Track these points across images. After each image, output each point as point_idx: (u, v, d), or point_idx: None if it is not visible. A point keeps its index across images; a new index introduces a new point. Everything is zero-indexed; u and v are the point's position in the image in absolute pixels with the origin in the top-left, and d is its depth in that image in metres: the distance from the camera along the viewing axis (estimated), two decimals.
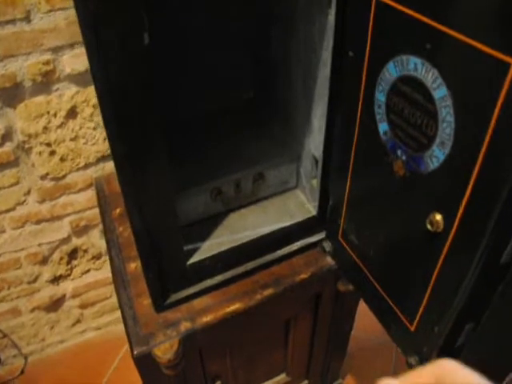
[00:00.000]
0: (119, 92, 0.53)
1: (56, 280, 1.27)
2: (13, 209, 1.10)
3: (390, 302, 0.64)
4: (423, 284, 0.56)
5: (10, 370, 1.39)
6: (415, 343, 0.62)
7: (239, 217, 0.84)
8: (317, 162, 0.76)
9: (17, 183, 1.07)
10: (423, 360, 0.62)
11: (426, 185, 0.51)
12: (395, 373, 1.35)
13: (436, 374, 0.30)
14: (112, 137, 0.58)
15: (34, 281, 1.25)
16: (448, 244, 0.50)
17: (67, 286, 1.30)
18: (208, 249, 0.79)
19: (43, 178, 1.08)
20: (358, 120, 0.60)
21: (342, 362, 1.16)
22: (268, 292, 0.81)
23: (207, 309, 0.80)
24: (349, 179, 0.68)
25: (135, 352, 0.76)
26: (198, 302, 0.81)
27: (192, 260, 0.78)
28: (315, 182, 0.79)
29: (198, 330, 0.78)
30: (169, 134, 0.89)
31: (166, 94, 0.88)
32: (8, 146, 1.01)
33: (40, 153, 1.04)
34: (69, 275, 1.28)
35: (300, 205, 0.85)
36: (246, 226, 0.82)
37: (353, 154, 0.64)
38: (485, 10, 0.38)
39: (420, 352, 0.62)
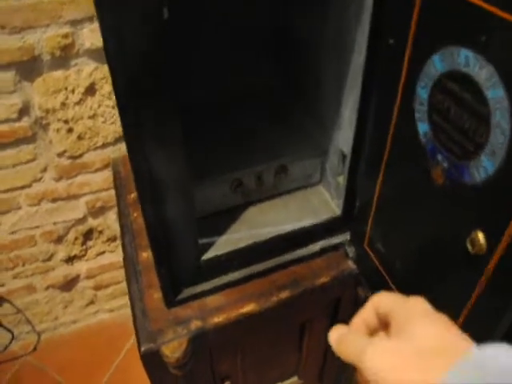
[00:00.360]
0: (136, 66, 0.48)
1: (70, 260, 1.25)
2: (29, 185, 1.08)
3: None
4: (456, 309, 0.50)
5: (23, 345, 1.39)
6: None
7: (259, 211, 0.78)
8: (344, 157, 0.69)
9: (33, 160, 1.04)
10: None
11: (469, 198, 0.44)
12: None
13: (374, 305, 0.37)
14: (122, 108, 0.52)
15: (49, 259, 1.23)
16: (491, 269, 0.44)
17: (81, 267, 1.28)
18: (225, 244, 0.74)
19: (60, 155, 1.05)
20: (394, 116, 0.53)
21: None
22: (285, 294, 0.76)
23: (220, 308, 0.75)
24: (380, 181, 0.61)
25: (142, 348, 0.73)
26: (210, 300, 0.77)
27: (207, 255, 0.73)
28: (341, 179, 0.73)
29: (209, 329, 0.74)
30: (188, 119, 0.84)
31: (185, 76, 0.82)
32: (25, 121, 0.98)
33: (57, 130, 1.01)
34: (83, 256, 1.26)
35: (324, 202, 0.79)
36: (266, 221, 0.76)
37: (386, 153, 0.57)
38: None
39: None
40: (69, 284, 1.31)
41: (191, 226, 0.67)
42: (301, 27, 0.77)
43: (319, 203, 0.79)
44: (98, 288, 1.35)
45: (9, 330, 1.31)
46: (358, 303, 0.86)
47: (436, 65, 0.44)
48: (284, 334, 0.90)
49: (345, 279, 0.78)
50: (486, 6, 0.37)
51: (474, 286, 0.45)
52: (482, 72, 0.39)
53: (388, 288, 0.63)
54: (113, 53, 0.47)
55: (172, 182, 0.60)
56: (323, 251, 0.78)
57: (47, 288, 1.29)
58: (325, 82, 0.71)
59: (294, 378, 1.03)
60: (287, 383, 1.03)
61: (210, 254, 0.73)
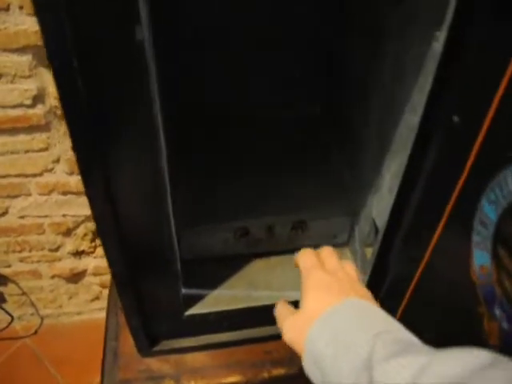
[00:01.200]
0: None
1: (78, 254, 1.19)
2: (40, 174, 1.01)
3: None
4: None
5: (26, 327, 1.35)
6: None
7: (265, 266, 0.65)
8: (377, 230, 0.54)
9: (46, 149, 0.96)
10: None
11: None
12: None
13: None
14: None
15: (56, 250, 1.17)
16: None
17: (89, 263, 1.21)
18: (216, 300, 0.62)
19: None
20: (443, 220, 0.38)
21: None
22: (278, 372, 0.63)
23: (200, 370, 0.64)
24: (415, 279, 0.46)
25: None
26: (191, 358, 0.65)
27: (193, 310, 0.62)
28: (370, 253, 0.58)
29: None
30: (197, 147, 0.72)
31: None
32: (39, 109, 0.90)
33: None
34: (92, 252, 1.19)
35: None
36: (270, 282, 0.63)
37: (428, 253, 0.42)
38: None
39: None
40: (75, 276, 1.24)
41: (170, 267, 0.55)
42: (355, 62, 0.62)
43: None
44: (104, 286, 1.28)
45: (9, 314, 1.27)
46: None
47: None
48: None
49: None
50: None
51: None
52: None
53: None
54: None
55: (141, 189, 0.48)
56: None
57: (53, 277, 1.23)
58: (370, 132, 0.56)
59: None
60: None
61: (196, 310, 0.61)
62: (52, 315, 1.35)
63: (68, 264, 1.21)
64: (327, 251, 0.42)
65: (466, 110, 0.35)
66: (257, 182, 0.64)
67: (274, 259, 0.65)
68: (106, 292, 1.30)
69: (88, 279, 1.26)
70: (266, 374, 0.63)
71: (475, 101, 0.33)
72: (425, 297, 0.45)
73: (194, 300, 0.62)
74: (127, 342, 0.67)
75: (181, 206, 0.62)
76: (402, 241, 0.52)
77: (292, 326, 0.38)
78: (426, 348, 0.29)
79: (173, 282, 0.56)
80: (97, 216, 0.45)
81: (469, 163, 0.34)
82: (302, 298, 0.38)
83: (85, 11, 0.33)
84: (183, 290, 0.59)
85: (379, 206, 0.53)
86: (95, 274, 1.24)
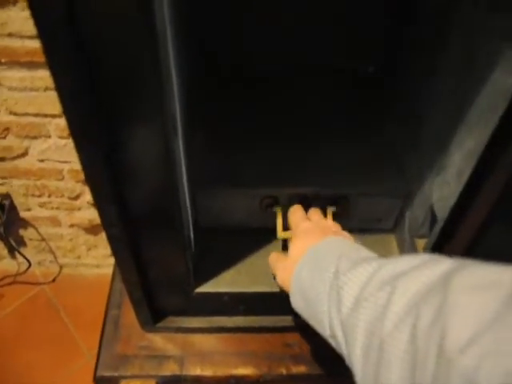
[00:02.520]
0: None
1: None
2: (59, 115, 0.92)
3: None
4: None
5: (45, 273, 1.32)
6: None
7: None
8: (434, 219, 0.42)
9: None
10: None
11: None
12: None
13: None
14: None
15: (76, 198, 1.10)
16: None
17: None
18: (232, 279, 0.52)
19: None
20: None
21: None
22: (298, 369, 0.53)
23: (209, 356, 0.55)
24: None
25: (98, 374, 0.56)
26: (200, 340, 0.57)
27: (203, 288, 0.52)
28: (422, 245, 0.46)
29: (186, 380, 0.54)
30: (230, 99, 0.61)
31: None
32: None
33: None
34: None
35: None
36: None
37: None
38: None
39: None
40: (94, 228, 1.18)
41: (182, 241, 0.45)
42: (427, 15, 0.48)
43: None
44: None
45: (26, 259, 1.23)
46: None
47: None
48: None
49: None
50: None
51: None
52: None
53: None
54: None
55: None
56: None
57: (72, 226, 1.18)
58: (438, 97, 0.43)
59: None
60: None
61: (209, 288, 0.52)
62: (71, 264, 1.31)
63: (87, 214, 1.15)
64: (314, 210, 0.47)
65: None
66: (294, 145, 0.53)
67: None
68: None
69: None
70: (283, 370, 0.53)
71: None
72: None
73: (207, 276, 0.52)
74: (130, 313, 0.59)
75: (198, 161, 0.52)
76: (469, 237, 0.40)
77: (282, 268, 0.43)
78: (381, 259, 0.34)
79: (181, 250, 0.46)
80: (85, 162, 0.35)
81: None
82: (291, 245, 0.44)
83: None
84: (194, 263, 0.50)
85: (442, 191, 0.41)
86: None
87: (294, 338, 0.55)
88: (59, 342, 1.21)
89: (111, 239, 0.43)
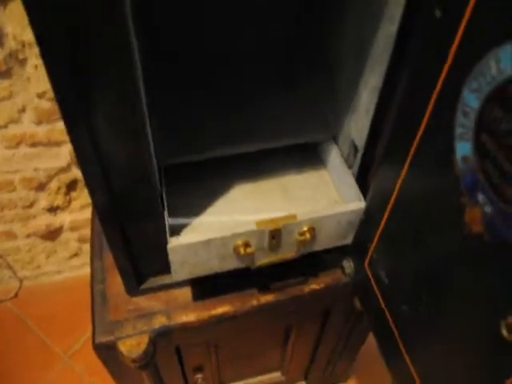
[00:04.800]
0: None
1: (53, 210, 1.15)
2: (5, 126, 0.95)
3: (411, 368, 0.45)
4: None
5: (5, 290, 1.32)
6: None
7: (252, 191, 0.64)
8: (356, 150, 0.54)
9: (9, 97, 0.91)
10: None
11: None
12: None
13: None
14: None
15: (30, 206, 1.13)
16: None
17: (65, 218, 1.18)
18: (200, 227, 0.61)
19: (40, 96, 0.91)
20: (425, 120, 0.37)
21: (347, 369, 1.00)
22: (266, 299, 0.64)
23: (190, 304, 0.64)
24: (394, 193, 0.46)
25: (96, 341, 0.63)
26: (181, 293, 0.65)
27: (179, 242, 0.60)
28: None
29: (175, 328, 0.63)
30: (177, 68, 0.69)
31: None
32: None
33: (36, 66, 0.87)
34: (67, 207, 1.15)
35: (327, 193, 0.64)
36: (258, 207, 0.62)
37: (407, 162, 0.42)
38: None
39: None
40: (52, 234, 1.21)
41: (156, 217, 0.54)
42: None
43: (322, 195, 0.65)
44: (82, 241, 1.26)
45: None
46: (353, 314, 0.73)
47: (501, 62, 0.28)
48: (265, 337, 0.79)
49: (339, 289, 0.65)
50: None
51: (504, 376, 0.32)
52: None
53: (386, 325, 0.49)
54: None
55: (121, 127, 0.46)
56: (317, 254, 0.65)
57: (28, 236, 1.20)
58: (346, 50, 0.55)
59: (277, 373, 0.93)
60: (268, 377, 0.93)
61: (180, 242, 0.60)
62: (31, 276, 1.33)
63: (43, 221, 1.17)
64: None
65: (449, 1, 0.34)
66: (236, 111, 0.63)
67: (262, 184, 0.64)
68: (85, 247, 1.28)
69: (65, 235, 1.23)
70: (254, 302, 0.63)
71: None
72: (405, 206, 0.45)
73: (179, 230, 0.61)
74: (114, 284, 0.66)
75: (159, 135, 0.60)
76: (382, 157, 0.52)
77: None
78: None
79: (157, 214, 0.55)
80: (75, 142, 0.42)
81: (450, 57, 0.33)
82: None
83: None
84: (170, 221, 0.58)
85: (357, 126, 0.52)
86: (72, 229, 1.21)
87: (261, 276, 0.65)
88: (34, 353, 1.23)
89: (99, 211, 0.50)
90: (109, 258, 0.68)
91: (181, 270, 0.55)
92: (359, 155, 0.52)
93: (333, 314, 0.71)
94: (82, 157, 0.43)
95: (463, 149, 0.33)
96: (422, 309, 0.42)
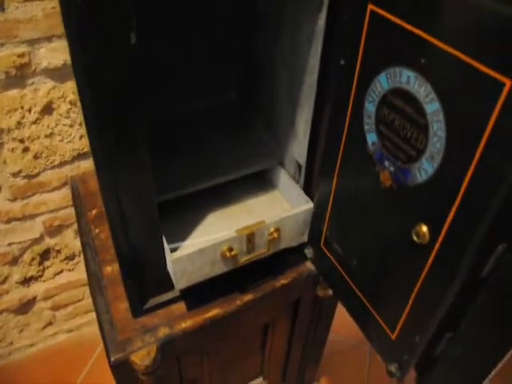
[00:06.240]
0: (102, 90, 0.51)
1: (26, 281, 1.23)
2: None
3: (373, 312, 0.64)
4: (406, 294, 0.56)
5: None
6: (396, 351, 0.62)
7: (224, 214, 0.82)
8: (300, 167, 0.76)
9: None
10: (403, 367, 0.62)
11: (414, 196, 0.51)
12: (369, 374, 1.37)
13: None
14: (93, 135, 0.56)
15: (3, 282, 1.20)
16: (433, 256, 0.51)
17: (38, 288, 1.26)
18: (189, 246, 0.77)
19: (15, 175, 1.04)
20: (345, 129, 0.60)
21: (317, 365, 1.17)
22: (248, 298, 0.80)
23: (186, 314, 0.78)
24: (333, 187, 0.67)
25: (112, 359, 0.74)
26: (176, 307, 0.80)
27: (178, 255, 0.76)
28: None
29: (177, 335, 0.77)
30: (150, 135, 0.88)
31: (146, 94, 0.86)
32: None
33: (12, 149, 1.00)
34: (40, 276, 1.24)
35: (281, 207, 0.85)
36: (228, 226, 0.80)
37: (339, 161, 0.64)
38: (480, 28, 0.38)
39: (400, 360, 0.62)
40: (24, 306, 1.28)
41: (156, 237, 0.70)
42: (260, 47, 0.83)
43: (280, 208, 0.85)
44: (56, 308, 1.33)
45: None
46: (317, 302, 0.92)
47: (382, 83, 0.51)
48: (248, 336, 0.94)
49: (304, 280, 0.84)
50: (425, 35, 0.44)
51: (421, 271, 0.52)
52: (421, 89, 0.46)
53: (347, 286, 0.69)
54: (81, 75, 0.50)
55: (138, 196, 0.63)
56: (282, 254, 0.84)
57: (1, 313, 1.25)
58: (281, 97, 0.77)
59: (259, 379, 1.07)
60: None
61: (183, 252, 0.76)
62: (3, 355, 1.35)
63: (16, 294, 1.24)
64: None
65: (348, 54, 0.57)
66: (202, 153, 0.83)
67: (230, 209, 0.83)
68: (58, 315, 1.35)
69: (39, 305, 1.29)
70: (238, 302, 0.79)
71: (352, 47, 0.55)
72: (343, 188, 0.66)
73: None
74: (118, 312, 0.79)
75: None
76: (320, 167, 0.73)
77: None
78: None
79: (158, 246, 0.71)
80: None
81: (354, 86, 0.56)
82: None
83: None
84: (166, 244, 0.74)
85: (299, 148, 0.74)
86: (46, 298, 1.29)
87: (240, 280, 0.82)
88: None
89: (116, 243, 0.66)
90: (109, 293, 0.82)
91: (181, 279, 0.71)
92: (303, 171, 0.74)
93: (301, 304, 0.89)
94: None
95: (371, 137, 0.55)
96: (365, 249, 0.62)
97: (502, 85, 0.37)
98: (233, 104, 0.98)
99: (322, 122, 0.67)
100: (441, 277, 0.51)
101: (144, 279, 0.74)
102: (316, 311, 0.94)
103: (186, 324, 0.77)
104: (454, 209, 0.46)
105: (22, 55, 0.89)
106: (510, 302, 0.52)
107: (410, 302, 0.56)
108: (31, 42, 0.88)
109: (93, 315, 1.40)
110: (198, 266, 0.70)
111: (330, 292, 0.88)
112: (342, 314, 0.77)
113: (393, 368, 0.63)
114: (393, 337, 0.62)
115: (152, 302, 0.78)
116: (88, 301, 1.36)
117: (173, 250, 0.73)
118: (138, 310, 0.77)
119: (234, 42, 0.92)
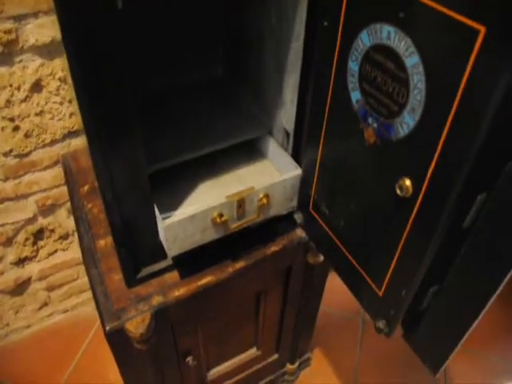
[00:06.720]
0: (92, 60, 0.52)
1: (21, 262, 1.24)
2: None
3: (360, 270, 0.66)
4: (391, 249, 0.58)
5: None
6: (383, 307, 0.64)
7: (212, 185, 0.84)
8: (288, 135, 0.77)
9: None
10: (391, 323, 0.64)
11: (396, 151, 0.53)
12: (361, 345, 1.40)
13: None
14: (84, 108, 0.56)
15: None
16: (416, 209, 0.52)
17: (33, 268, 1.27)
18: (181, 214, 0.79)
19: (6, 154, 1.05)
20: (330, 90, 0.61)
21: (310, 335, 1.19)
22: (239, 265, 0.82)
23: (179, 282, 0.80)
24: (320, 150, 0.69)
25: (107, 328, 0.76)
26: (170, 277, 0.81)
27: (170, 221, 0.77)
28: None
29: (171, 303, 0.78)
30: (140, 108, 0.89)
31: (135, 67, 0.86)
32: None
33: (2, 128, 1.01)
34: (34, 257, 1.25)
35: (271, 175, 0.86)
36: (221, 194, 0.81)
37: (325, 124, 0.65)
38: None
39: (387, 316, 0.64)
40: (19, 287, 1.29)
41: (148, 207, 0.71)
42: (247, 19, 0.84)
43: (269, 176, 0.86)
44: (51, 289, 1.34)
45: None
46: (308, 270, 0.94)
47: (364, 40, 0.52)
48: (241, 304, 0.96)
49: (294, 247, 0.86)
50: None
51: (405, 225, 0.54)
52: (401, 44, 0.47)
53: (336, 247, 0.71)
54: (70, 45, 0.51)
55: (129, 168, 0.64)
56: (272, 222, 0.85)
57: None
58: (268, 67, 0.78)
59: (253, 349, 1.09)
60: (247, 354, 1.09)
61: (174, 219, 0.77)
62: (0, 336, 1.36)
63: (11, 275, 1.25)
64: None
65: (331, 15, 0.58)
66: (193, 126, 0.84)
67: (222, 178, 0.84)
68: (54, 295, 1.36)
69: (34, 286, 1.31)
70: (230, 269, 0.81)
71: (334, 7, 0.56)
72: (330, 149, 0.68)
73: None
74: (112, 283, 0.81)
75: None
76: (308, 131, 0.74)
77: None
78: None
79: (150, 215, 0.72)
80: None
81: (337, 47, 0.57)
82: None
83: None
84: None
85: (286, 116, 0.75)
86: (41, 279, 1.30)
87: (232, 248, 0.83)
88: None
89: (109, 214, 0.67)
90: (103, 265, 0.83)
91: (173, 245, 0.72)
92: (291, 139, 0.75)
93: (292, 272, 0.91)
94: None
95: (355, 95, 0.56)
96: (351, 209, 0.64)
97: (477, 32, 0.38)
98: (221, 78, 0.99)
99: (309, 88, 0.69)
100: (424, 230, 0.53)
101: (137, 248, 0.76)
102: (307, 278, 0.95)
103: (179, 292, 0.79)
104: (434, 161, 0.48)
105: (8, 31, 0.89)
106: (492, 252, 0.54)
107: (396, 257, 0.58)
108: (18, 18, 0.88)
109: (88, 294, 1.41)
110: (189, 233, 0.72)
111: (321, 259, 0.90)
112: (334, 285, 0.78)
113: (381, 324, 0.66)
114: (380, 293, 0.64)
115: (145, 271, 0.80)
116: (83, 280, 1.37)
117: (164, 219, 0.75)
118: (131, 279, 0.79)
119: (221, 16, 0.92)
